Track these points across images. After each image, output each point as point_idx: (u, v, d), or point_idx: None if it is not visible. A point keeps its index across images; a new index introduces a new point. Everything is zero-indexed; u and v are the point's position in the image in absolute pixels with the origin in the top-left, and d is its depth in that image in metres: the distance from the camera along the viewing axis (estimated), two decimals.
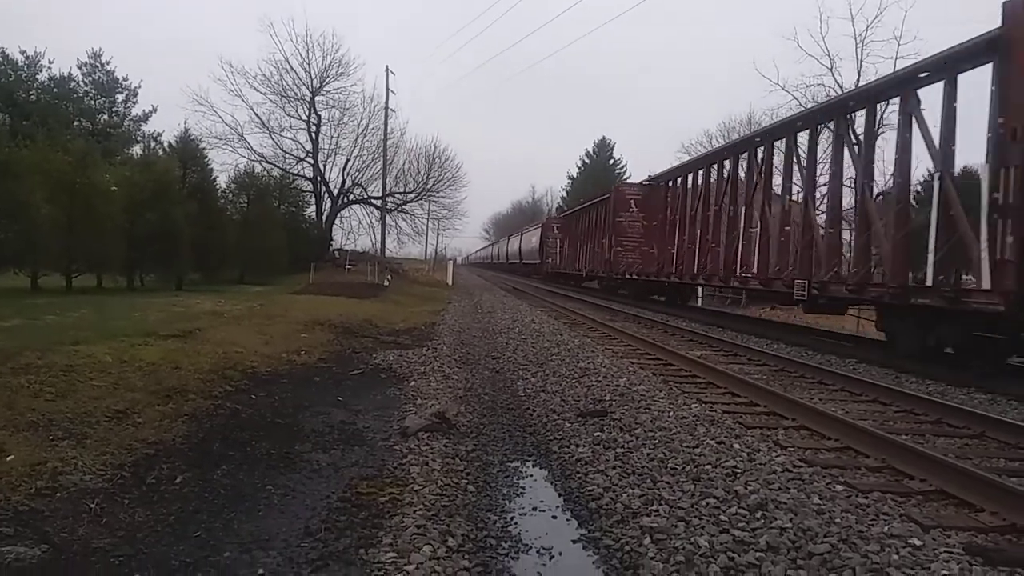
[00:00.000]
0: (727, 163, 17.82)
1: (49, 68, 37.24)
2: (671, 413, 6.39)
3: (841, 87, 27.77)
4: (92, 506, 3.80)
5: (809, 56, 32.72)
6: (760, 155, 15.82)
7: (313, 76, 39.69)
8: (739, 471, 4.64)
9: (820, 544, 3.44)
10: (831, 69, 29.91)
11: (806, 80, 31.08)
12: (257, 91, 39.05)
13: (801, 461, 4.94)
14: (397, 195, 44.01)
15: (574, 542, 4.02)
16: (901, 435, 5.76)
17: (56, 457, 4.37)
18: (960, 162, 10.41)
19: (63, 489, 3.97)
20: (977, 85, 9.78)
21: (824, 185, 17.27)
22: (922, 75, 10.66)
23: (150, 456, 4.68)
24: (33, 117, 32.44)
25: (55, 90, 36.96)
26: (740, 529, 3.70)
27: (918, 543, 3.45)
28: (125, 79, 40.71)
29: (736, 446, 5.25)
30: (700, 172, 19.55)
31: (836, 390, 8.03)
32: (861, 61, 28.96)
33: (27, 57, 36.43)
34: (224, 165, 38.95)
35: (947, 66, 10.02)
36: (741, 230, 16.11)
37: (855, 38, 29.68)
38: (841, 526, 3.64)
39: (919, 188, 17.54)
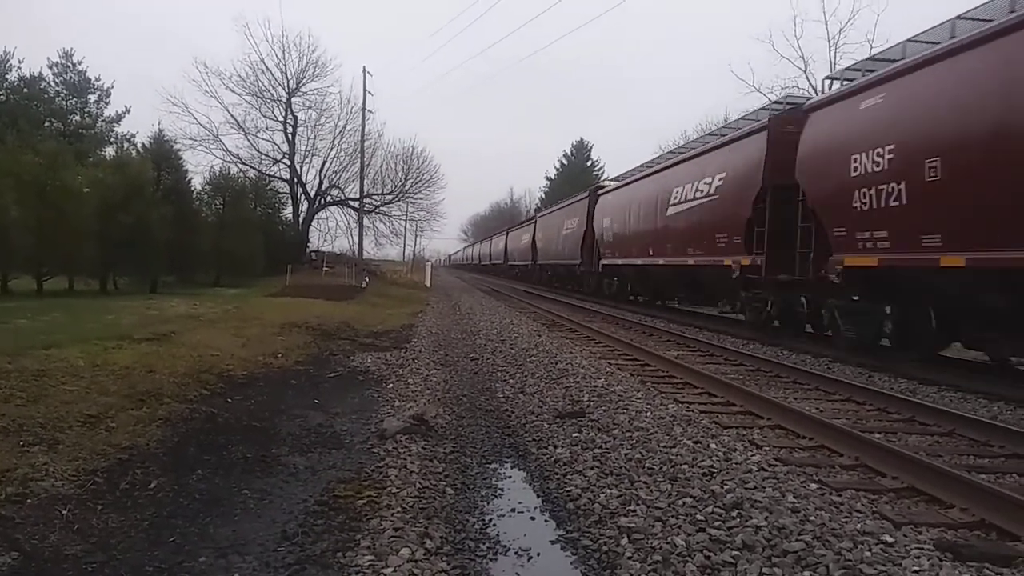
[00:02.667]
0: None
1: (19, 68, 36.65)
2: (648, 413, 6.43)
3: (816, 89, 28.13)
4: (64, 512, 3.74)
5: (784, 58, 33.07)
6: None
7: (289, 77, 39.57)
8: (715, 470, 4.69)
9: (795, 542, 3.48)
10: (805, 71, 30.35)
11: (781, 82, 31.42)
12: (233, 92, 38.88)
13: (776, 460, 5.00)
14: (375, 196, 43.92)
15: (552, 543, 4.03)
16: (874, 433, 5.85)
17: (27, 463, 4.29)
18: None
19: (34, 495, 3.90)
20: None
21: None
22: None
23: (124, 461, 4.62)
24: (2, 118, 31.88)
25: (25, 90, 36.34)
26: (716, 528, 3.74)
27: (890, 540, 3.50)
28: (97, 79, 40.15)
29: (712, 446, 5.29)
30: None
31: (810, 389, 8.13)
32: (834, 64, 29.38)
33: None
34: (199, 166, 38.69)
35: None
36: None
37: (828, 41, 30.16)
38: (815, 524, 3.69)
39: None
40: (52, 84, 38.60)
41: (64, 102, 38.82)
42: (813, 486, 4.41)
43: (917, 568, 3.22)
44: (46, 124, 35.90)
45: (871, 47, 27.68)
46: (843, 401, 7.47)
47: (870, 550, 3.39)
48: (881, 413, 6.91)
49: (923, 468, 4.62)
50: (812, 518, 3.77)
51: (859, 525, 3.69)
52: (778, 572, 3.24)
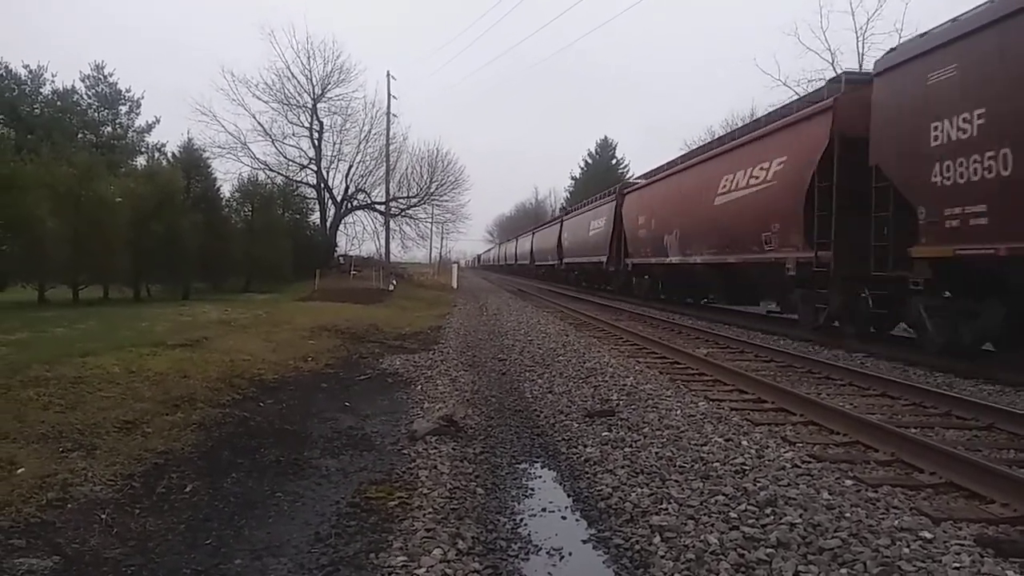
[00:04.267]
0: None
1: (52, 82, 37.66)
2: (678, 411, 6.39)
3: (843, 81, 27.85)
4: (103, 516, 3.82)
5: (810, 51, 32.69)
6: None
7: (314, 83, 39.84)
8: (748, 468, 4.64)
9: (831, 539, 3.44)
10: (832, 64, 29.93)
11: (807, 75, 31.09)
12: (259, 99, 39.26)
13: (810, 457, 4.94)
14: (401, 200, 44.09)
15: (584, 542, 4.02)
16: (910, 428, 5.75)
17: (66, 469, 4.39)
18: None
19: (74, 500, 3.98)
20: None
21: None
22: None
23: (160, 466, 4.70)
24: (37, 131, 32.71)
25: (58, 103, 37.30)
26: (750, 526, 3.70)
27: (929, 536, 3.44)
28: (128, 91, 41.06)
29: (744, 443, 5.24)
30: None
31: (843, 385, 8.01)
32: (863, 55, 28.97)
33: (30, 71, 36.85)
34: (228, 174, 39.28)
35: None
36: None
37: (856, 32, 29.76)
38: (851, 521, 3.63)
39: None
40: (84, 97, 39.54)
41: (96, 114, 39.73)
42: (848, 482, 4.34)
43: (958, 565, 3.15)
44: (79, 136, 36.75)
45: (899, 37, 27.23)
46: (878, 396, 7.35)
47: (908, 547, 3.33)
48: (917, 408, 6.79)
49: (962, 463, 4.53)
50: (848, 515, 3.72)
51: (896, 521, 3.63)
52: (814, 570, 3.20)
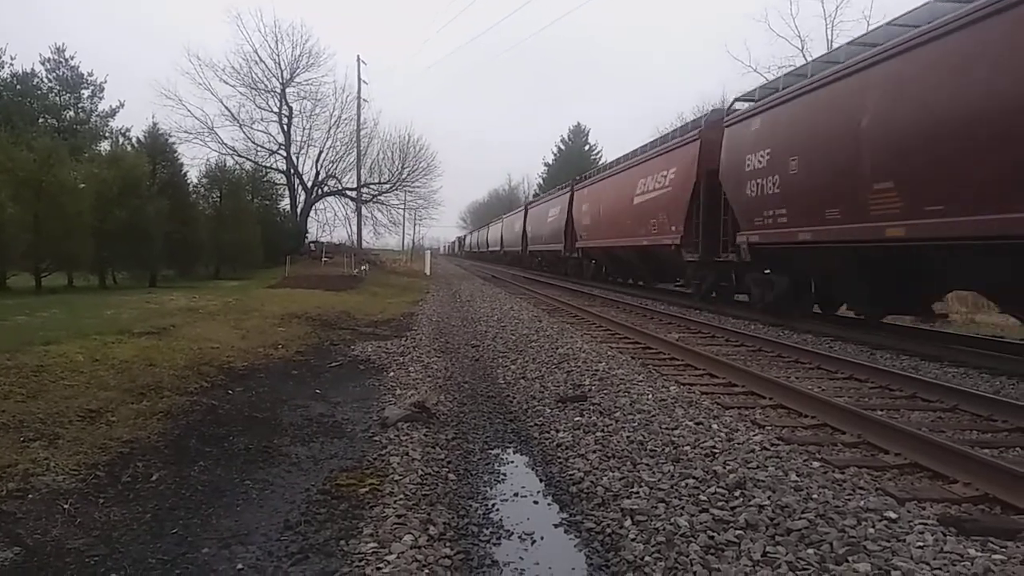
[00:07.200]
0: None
1: (11, 64, 36.49)
2: (650, 396, 6.42)
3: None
4: (66, 507, 3.73)
5: (780, 37, 32.92)
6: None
7: (283, 67, 39.33)
8: (718, 451, 4.68)
9: (798, 520, 3.48)
10: (802, 50, 30.21)
11: (777, 62, 31.33)
12: (226, 84, 38.75)
13: (778, 439, 4.99)
14: (372, 186, 43.75)
15: (556, 526, 4.03)
16: (876, 411, 5.85)
17: (28, 458, 4.28)
18: None
19: (35, 490, 3.89)
20: None
21: None
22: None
23: (125, 455, 4.61)
24: None
25: (18, 87, 36.23)
26: (719, 508, 3.73)
27: (894, 516, 3.49)
28: (90, 74, 39.95)
29: (714, 426, 5.28)
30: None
31: (812, 368, 8.12)
32: (831, 42, 29.29)
33: None
34: (195, 159, 38.73)
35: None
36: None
37: (825, 18, 30.01)
38: (818, 502, 3.68)
39: None
40: (45, 80, 38.42)
41: (57, 98, 38.65)
42: (816, 464, 4.40)
43: (921, 543, 3.20)
44: (40, 120, 35.79)
45: (868, 24, 27.53)
46: (845, 379, 7.47)
47: (874, 526, 3.38)
48: (883, 391, 6.91)
49: (926, 444, 4.62)
50: (815, 496, 3.77)
51: (862, 502, 3.68)
52: (782, 550, 3.23)
